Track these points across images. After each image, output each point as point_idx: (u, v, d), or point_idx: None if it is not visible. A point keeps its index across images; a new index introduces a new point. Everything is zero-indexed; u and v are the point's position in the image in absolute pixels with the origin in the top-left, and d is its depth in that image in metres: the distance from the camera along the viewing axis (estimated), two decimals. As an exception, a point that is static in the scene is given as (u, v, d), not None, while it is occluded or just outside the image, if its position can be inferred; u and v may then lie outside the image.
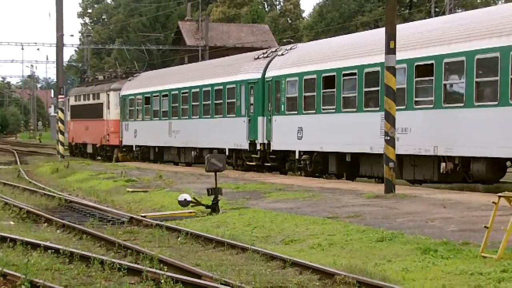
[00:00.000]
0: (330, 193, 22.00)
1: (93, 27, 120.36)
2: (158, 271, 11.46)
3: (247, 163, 33.50)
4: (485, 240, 12.34)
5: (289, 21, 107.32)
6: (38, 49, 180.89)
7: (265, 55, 33.91)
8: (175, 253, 14.19)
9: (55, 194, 25.22)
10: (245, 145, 33.26)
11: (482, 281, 10.79)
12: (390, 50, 21.08)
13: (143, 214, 19.75)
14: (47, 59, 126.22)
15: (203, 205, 19.90)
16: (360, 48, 27.04)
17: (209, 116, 36.95)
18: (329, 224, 16.32)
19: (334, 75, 27.67)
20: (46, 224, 18.56)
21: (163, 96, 42.22)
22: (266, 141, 31.94)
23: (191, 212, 19.96)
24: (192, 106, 38.65)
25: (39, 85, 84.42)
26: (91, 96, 53.33)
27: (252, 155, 33.06)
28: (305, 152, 29.40)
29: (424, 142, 23.39)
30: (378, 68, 24.90)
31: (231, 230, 16.90)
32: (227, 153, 33.94)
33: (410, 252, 12.92)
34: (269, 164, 32.30)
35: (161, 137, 41.92)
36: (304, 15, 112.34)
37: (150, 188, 26.71)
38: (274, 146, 31.34)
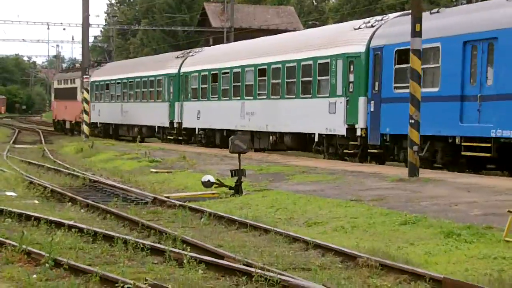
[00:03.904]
0: (353, 176, 21.96)
1: (119, 7, 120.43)
2: (181, 251, 11.50)
3: (168, 137, 44.16)
4: (508, 224, 12.27)
5: (315, 3, 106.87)
6: (64, 29, 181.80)
7: (182, 55, 44.71)
8: (198, 233, 14.24)
9: (79, 174, 25.35)
10: (167, 124, 44.14)
11: (505, 265, 10.75)
12: (416, 33, 20.93)
13: (166, 195, 19.82)
14: (72, 39, 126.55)
15: (226, 186, 19.92)
16: (232, 55, 38.37)
17: (146, 100, 47.64)
18: (352, 207, 16.30)
19: (217, 73, 38.64)
20: (70, 203, 18.67)
21: (117, 83, 52.79)
22: (180, 121, 42.67)
23: (214, 193, 20.01)
24: (129, 94, 50.38)
25: (64, 65, 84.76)
26: (69, 81, 64.00)
27: (172, 131, 43.85)
28: (202, 129, 40.49)
29: (262, 122, 34.04)
30: (239, 70, 36.12)
31: (254, 212, 16.93)
32: (156, 129, 46.13)
33: (433, 236, 12.87)
34: (181, 138, 43.04)
35: (116, 116, 52.19)
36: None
37: (173, 169, 26.78)
38: (184, 124, 42.42)
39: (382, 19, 28.38)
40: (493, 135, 21.71)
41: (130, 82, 50.17)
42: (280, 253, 12.12)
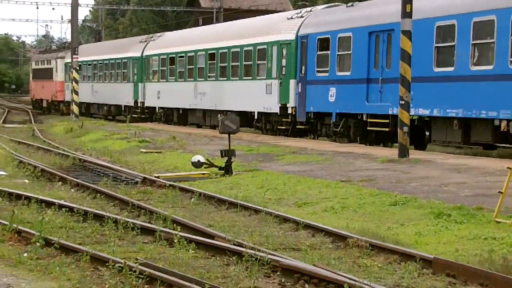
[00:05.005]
0: (343, 157, 21.99)
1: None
2: (171, 231, 11.51)
3: (133, 115, 46.67)
4: (499, 205, 12.32)
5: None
6: (53, 8, 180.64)
7: (144, 40, 48.40)
8: (188, 213, 14.25)
9: (69, 154, 25.30)
10: (132, 103, 47.90)
11: (495, 246, 10.80)
12: (406, 14, 20.90)
13: (156, 175, 19.81)
14: (62, 19, 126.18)
15: (216, 166, 19.92)
16: (187, 41, 41.99)
17: (113, 81, 51.40)
18: (342, 188, 16.33)
19: (174, 57, 42.30)
20: (60, 183, 18.64)
21: (88, 64, 55.69)
22: (143, 100, 46.40)
23: (204, 174, 20.00)
24: (99, 75, 54.16)
25: (53, 45, 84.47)
26: (45, 62, 67.32)
27: (136, 110, 47.22)
28: (161, 108, 44.32)
29: (211, 102, 37.54)
30: (193, 54, 40.00)
31: (244, 192, 16.94)
32: (123, 108, 49.72)
33: (423, 217, 12.91)
34: (144, 116, 46.21)
35: (87, 96, 54.42)
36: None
37: (163, 149, 26.76)
38: (146, 103, 46.15)
39: (311, 10, 32.16)
40: (390, 112, 25.18)
41: (99, 63, 53.81)
42: (270, 233, 12.14)
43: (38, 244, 10.61)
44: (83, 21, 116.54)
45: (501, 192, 12.37)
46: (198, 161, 20.05)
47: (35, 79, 70.92)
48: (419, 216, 13.00)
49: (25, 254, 10.28)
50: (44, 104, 67.04)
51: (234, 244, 10.70)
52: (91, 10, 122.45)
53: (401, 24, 21.11)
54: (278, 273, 9.40)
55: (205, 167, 20.07)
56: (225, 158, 19.81)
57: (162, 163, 23.37)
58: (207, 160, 20.25)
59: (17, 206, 14.45)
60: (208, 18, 73.54)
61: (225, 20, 60.83)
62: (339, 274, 8.91)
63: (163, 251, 10.73)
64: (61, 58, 62.74)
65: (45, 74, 66.05)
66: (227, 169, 19.74)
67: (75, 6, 49.45)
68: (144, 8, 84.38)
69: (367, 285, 8.29)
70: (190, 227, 12.15)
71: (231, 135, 20.08)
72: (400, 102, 20.99)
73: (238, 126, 20.11)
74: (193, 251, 10.57)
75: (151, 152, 26.13)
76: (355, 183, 16.79)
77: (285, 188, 17.10)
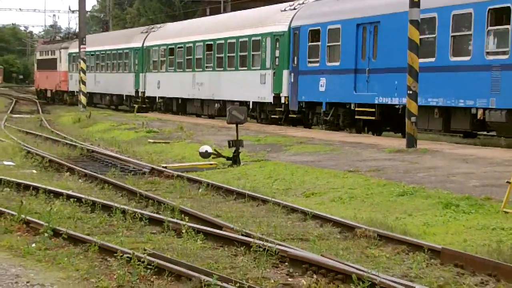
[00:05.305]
0: (351, 147, 21.96)
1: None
2: (179, 221, 11.51)
3: (134, 105, 45.89)
4: (507, 195, 12.30)
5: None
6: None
7: (145, 31, 49.50)
8: (196, 204, 14.25)
9: (77, 144, 25.35)
10: (133, 93, 48.94)
11: (504, 236, 10.78)
12: (414, 4, 20.83)
13: (164, 165, 19.82)
14: (69, 9, 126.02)
15: (224, 157, 19.92)
16: (186, 32, 42.77)
17: (115, 71, 52.16)
18: (350, 178, 16.31)
19: (173, 48, 43.01)
20: (68, 173, 18.67)
21: (91, 55, 55.95)
22: (144, 90, 47.21)
23: (212, 164, 20.01)
24: (101, 65, 55.02)
25: (58, 36, 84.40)
26: (49, 52, 68.17)
27: (137, 99, 48.08)
28: (161, 97, 44.85)
29: (209, 91, 38.44)
30: (191, 45, 40.64)
31: (252, 182, 16.94)
32: (124, 98, 50.98)
33: (431, 207, 12.90)
34: (144, 106, 46.91)
35: (90, 86, 53.16)
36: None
37: (171, 140, 26.77)
38: (147, 93, 47.02)
39: (303, 2, 32.79)
40: (376, 101, 26.27)
41: (102, 54, 54.73)
42: (278, 224, 12.14)
43: (46, 234, 10.63)
44: (91, 11, 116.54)
45: (510, 182, 12.35)
46: (206, 151, 20.05)
47: (39, 69, 71.59)
48: (427, 207, 12.98)
49: (33, 245, 10.30)
50: (48, 94, 67.97)
51: (242, 235, 10.71)
52: (99, 0, 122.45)
53: (409, 13, 21.08)
54: (286, 263, 9.41)
55: (212, 158, 20.08)
56: (233, 149, 19.80)
57: (170, 154, 23.38)
58: (215, 150, 20.25)
59: (25, 196, 14.47)
60: (215, 8, 73.39)
61: (233, 10, 60.72)
62: (347, 265, 8.91)
63: (171, 242, 10.74)
64: (64, 49, 63.60)
65: (49, 65, 66.81)
66: (234, 160, 19.73)
67: (82, -4, 49.37)
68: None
69: (375, 275, 8.27)
70: (198, 217, 12.16)
71: (238, 125, 20.08)
72: (408, 92, 20.94)
73: (246, 117, 20.10)
74: (201, 242, 10.57)
75: (159, 143, 26.15)
76: (363, 173, 16.77)
77: (292, 178, 17.09)
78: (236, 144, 19.76)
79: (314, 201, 14.67)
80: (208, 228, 11.10)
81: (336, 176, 16.64)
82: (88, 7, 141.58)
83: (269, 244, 9.66)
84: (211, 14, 67.34)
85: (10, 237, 10.95)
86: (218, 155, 20.00)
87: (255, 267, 9.29)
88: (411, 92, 20.86)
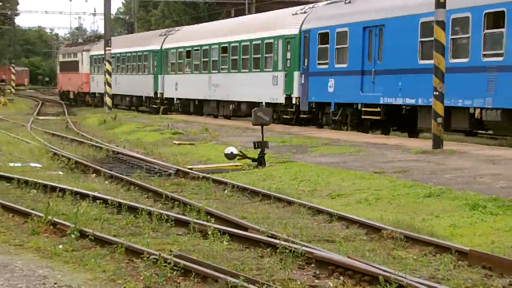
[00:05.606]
0: (376, 148, 21.89)
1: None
2: (205, 222, 11.53)
3: (153, 106, 48.62)
4: (535, 197, 12.20)
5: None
6: (86, 1, 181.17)
7: (164, 33, 50.30)
8: (222, 205, 14.26)
9: (102, 146, 25.45)
10: (152, 94, 49.81)
11: (532, 238, 10.70)
12: (440, 4, 20.72)
13: (189, 167, 19.85)
14: (94, 11, 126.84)
15: (249, 158, 19.92)
16: (202, 35, 43.80)
17: (135, 73, 53.11)
18: (376, 179, 16.25)
19: (190, 50, 44.15)
20: (94, 174, 18.74)
21: (111, 57, 53.99)
22: (162, 92, 48.04)
23: (237, 165, 20.01)
24: (121, 67, 55.89)
25: (80, 39, 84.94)
26: (72, 54, 69.51)
27: (156, 101, 48.91)
28: (178, 99, 45.85)
29: (224, 93, 39.45)
30: (207, 47, 41.82)
31: (277, 184, 16.92)
32: (144, 99, 51.73)
33: (458, 208, 12.82)
34: (163, 106, 46.32)
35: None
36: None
37: (196, 141, 26.80)
38: (165, 94, 47.83)
39: (313, 6, 34.22)
40: (381, 101, 27.30)
41: (122, 56, 55.60)
42: (304, 225, 12.12)
43: (73, 236, 10.69)
44: (116, 13, 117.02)
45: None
46: (231, 152, 20.06)
47: (62, 71, 72.95)
48: (454, 208, 12.90)
49: (60, 246, 10.35)
50: (71, 96, 69.22)
51: (268, 236, 10.70)
52: (124, 2, 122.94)
53: (435, 14, 20.99)
54: (312, 265, 9.39)
55: (238, 159, 20.08)
56: (258, 150, 19.79)
57: (195, 155, 23.42)
58: (240, 151, 20.25)
59: (52, 198, 14.55)
60: (240, 9, 73.43)
61: (257, 11, 60.73)
62: (373, 266, 8.87)
63: (197, 243, 10.75)
64: (86, 51, 64.56)
65: (72, 67, 68.02)
66: (260, 161, 19.72)
67: (107, -1, 49.59)
68: (176, 0, 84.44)
69: (402, 277, 8.23)
70: (224, 219, 12.16)
71: (264, 126, 20.06)
72: (434, 93, 20.83)
73: (271, 118, 20.09)
74: (227, 243, 10.58)
75: (184, 144, 26.19)
76: (388, 175, 16.71)
77: (318, 179, 17.06)
78: (261, 145, 19.75)
79: (340, 202, 14.63)
80: (234, 230, 11.10)
81: (362, 178, 16.58)
82: (113, 9, 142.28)
83: (295, 246, 9.65)
84: (235, 15, 67.43)
85: (38, 238, 11.02)
86: (244, 156, 20.00)
87: (281, 269, 9.27)
88: (437, 93, 20.75)
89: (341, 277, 8.90)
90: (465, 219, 12.13)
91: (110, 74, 48.22)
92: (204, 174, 17.72)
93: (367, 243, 11.00)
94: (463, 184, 14.86)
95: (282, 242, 9.83)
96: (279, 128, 31.06)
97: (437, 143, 20.69)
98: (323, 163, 19.22)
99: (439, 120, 20.65)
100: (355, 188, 15.70)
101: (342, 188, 15.84)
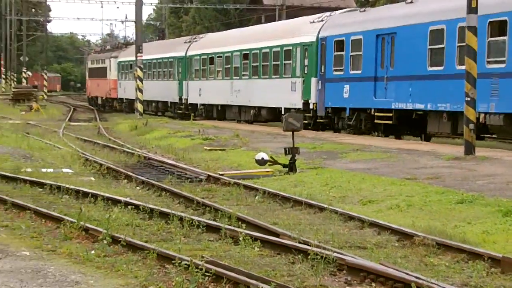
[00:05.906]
0: (408, 154, 21.79)
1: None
2: (236, 228, 11.53)
3: (178, 111, 50.10)
4: None
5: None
6: (117, 7, 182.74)
7: (188, 40, 51.41)
8: (253, 211, 14.26)
9: (134, 151, 25.55)
10: (177, 100, 50.48)
11: None
12: (472, 9, 20.62)
13: (220, 173, 19.88)
14: (126, 17, 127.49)
15: (280, 164, 19.92)
16: (225, 42, 44.77)
17: (161, 79, 54.04)
18: (407, 185, 16.18)
19: (213, 57, 45.28)
20: (126, 180, 18.82)
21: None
22: (186, 97, 49.13)
23: (268, 171, 20.01)
24: (148, 73, 55.22)
25: (115, 43, 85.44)
26: (100, 61, 70.48)
27: (180, 106, 49.97)
28: (202, 104, 46.84)
29: (245, 98, 40.64)
30: (229, 54, 42.75)
31: (309, 190, 16.90)
32: (169, 104, 52.51)
33: (490, 215, 12.73)
34: (187, 112, 47.91)
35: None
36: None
37: (227, 147, 26.84)
38: (189, 100, 48.85)
39: (330, 15, 35.20)
40: (393, 107, 28.42)
41: (148, 62, 55.62)
42: (335, 231, 12.09)
43: (105, 241, 10.74)
44: (147, 19, 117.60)
45: None
46: (262, 158, 20.07)
47: (90, 77, 74.00)
48: (486, 214, 12.82)
49: (93, 252, 10.40)
50: (99, 101, 70.21)
51: (300, 242, 10.68)
52: (155, 8, 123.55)
53: (466, 19, 20.91)
54: (344, 271, 9.37)
55: (269, 165, 20.08)
56: (289, 156, 19.78)
57: (226, 161, 23.45)
58: (271, 157, 20.25)
59: (84, 203, 14.63)
60: (270, 15, 73.49)
61: (288, 17, 60.74)
62: (406, 273, 8.84)
63: (229, 249, 10.76)
64: (114, 58, 65.61)
65: (100, 73, 69.06)
66: (291, 167, 19.72)
67: (139, 5, 49.92)
68: (207, 6, 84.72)
69: (434, 284, 8.20)
70: (255, 225, 12.16)
71: (294, 132, 20.06)
72: (466, 98, 20.70)
73: (302, 124, 20.09)
74: (258, 249, 10.58)
75: (215, 150, 26.24)
76: (420, 181, 16.63)
77: (349, 185, 17.02)
78: (292, 151, 19.75)
79: (371, 209, 14.58)
80: (265, 236, 11.10)
81: (393, 184, 16.52)
82: (144, 16, 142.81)
83: (327, 252, 9.63)
84: (266, 21, 67.49)
85: (70, 244, 11.08)
86: (275, 162, 20.00)
87: (312, 275, 9.26)
88: (469, 99, 20.62)
89: (373, 284, 8.87)
90: (498, 225, 12.04)
91: (141, 80, 48.36)
92: (235, 180, 17.73)
93: (399, 249, 10.96)
94: (496, 191, 14.76)
95: (314, 248, 9.81)
96: (310, 134, 31.03)
97: (469, 149, 20.56)
98: (354, 169, 19.17)
99: (471, 126, 20.51)
100: (386, 194, 15.64)
101: (373, 194, 15.79)
